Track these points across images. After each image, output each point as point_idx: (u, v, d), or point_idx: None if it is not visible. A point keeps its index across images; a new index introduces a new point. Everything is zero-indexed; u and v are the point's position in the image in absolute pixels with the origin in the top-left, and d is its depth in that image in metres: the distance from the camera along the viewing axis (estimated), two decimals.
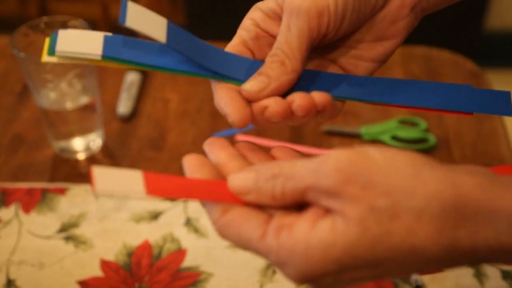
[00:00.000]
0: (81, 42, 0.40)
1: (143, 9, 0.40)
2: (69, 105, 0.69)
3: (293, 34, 0.39)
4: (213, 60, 0.41)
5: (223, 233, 0.35)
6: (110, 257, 0.61)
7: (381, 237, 0.30)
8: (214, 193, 0.36)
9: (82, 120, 0.71)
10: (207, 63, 0.41)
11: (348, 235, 0.31)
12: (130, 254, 0.61)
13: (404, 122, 0.76)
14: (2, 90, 0.82)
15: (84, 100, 0.70)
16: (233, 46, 0.43)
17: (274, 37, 0.42)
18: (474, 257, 0.31)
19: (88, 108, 0.71)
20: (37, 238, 0.63)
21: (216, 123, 0.77)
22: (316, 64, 0.44)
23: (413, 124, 0.76)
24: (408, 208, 0.30)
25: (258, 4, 0.44)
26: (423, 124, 0.75)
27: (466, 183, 0.30)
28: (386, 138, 0.74)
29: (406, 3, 0.43)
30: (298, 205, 0.34)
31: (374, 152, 0.31)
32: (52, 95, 0.69)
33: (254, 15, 0.43)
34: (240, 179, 0.35)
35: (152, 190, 0.35)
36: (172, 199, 0.67)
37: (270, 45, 0.42)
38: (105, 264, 0.61)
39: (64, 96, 0.69)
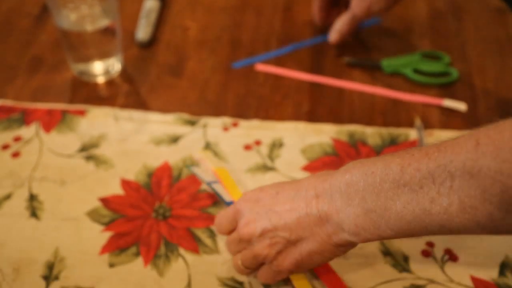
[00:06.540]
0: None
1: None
2: (89, 27, 0.69)
3: None
4: None
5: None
6: (130, 177, 0.62)
7: (254, 202, 0.51)
8: None
9: (101, 43, 0.71)
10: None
11: (239, 204, 0.52)
12: (150, 174, 0.62)
13: (427, 56, 0.75)
14: (19, 12, 0.82)
15: (104, 22, 0.69)
16: None
17: None
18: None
19: (107, 32, 0.70)
20: (58, 157, 0.63)
21: (235, 52, 0.77)
22: None
23: (436, 58, 0.75)
24: (264, 197, 0.51)
25: None
26: (446, 57, 0.74)
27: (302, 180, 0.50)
28: (407, 71, 0.73)
29: None
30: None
31: (266, 185, 0.52)
32: (72, 16, 0.68)
33: None
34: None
35: None
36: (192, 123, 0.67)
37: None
38: (125, 183, 0.61)
39: (84, 17, 0.68)
